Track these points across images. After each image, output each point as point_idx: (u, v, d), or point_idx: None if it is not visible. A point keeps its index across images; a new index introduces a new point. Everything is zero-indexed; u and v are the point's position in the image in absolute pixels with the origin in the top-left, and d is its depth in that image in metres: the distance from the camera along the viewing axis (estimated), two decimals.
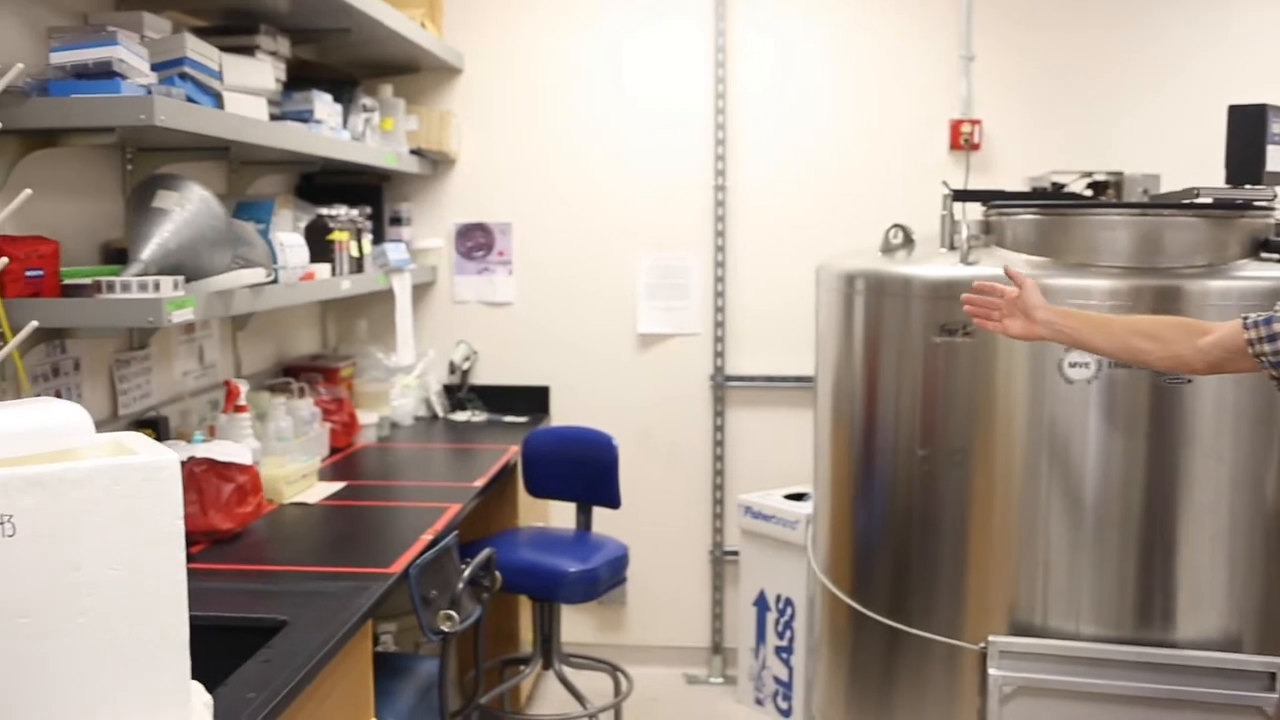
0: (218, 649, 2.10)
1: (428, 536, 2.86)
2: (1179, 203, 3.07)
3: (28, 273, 2.40)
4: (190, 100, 2.69)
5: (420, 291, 4.69)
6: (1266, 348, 2.19)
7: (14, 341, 2.27)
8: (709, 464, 4.73)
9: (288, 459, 3.32)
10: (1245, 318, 2.24)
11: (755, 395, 4.70)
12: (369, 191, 4.43)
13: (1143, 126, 4.43)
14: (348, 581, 2.50)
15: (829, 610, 3.48)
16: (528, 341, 4.74)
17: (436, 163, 4.66)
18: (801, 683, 4.16)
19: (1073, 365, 2.85)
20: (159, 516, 1.43)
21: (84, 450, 1.48)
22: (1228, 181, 3.11)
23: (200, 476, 2.77)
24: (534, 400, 4.72)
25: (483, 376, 4.76)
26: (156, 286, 2.46)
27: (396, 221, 4.58)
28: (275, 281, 3.08)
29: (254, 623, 2.24)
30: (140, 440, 1.54)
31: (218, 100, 2.85)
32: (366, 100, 3.97)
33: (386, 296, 4.20)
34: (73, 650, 1.40)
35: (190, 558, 2.67)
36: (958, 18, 4.50)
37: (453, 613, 2.69)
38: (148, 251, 2.56)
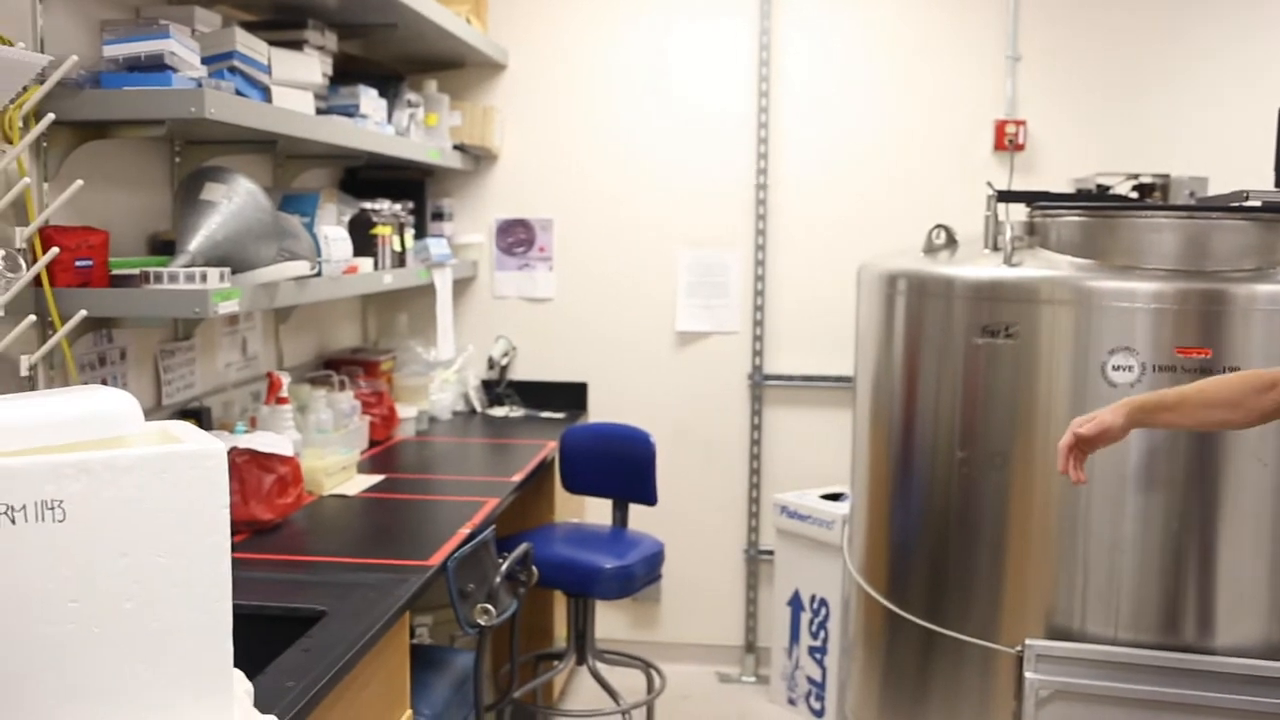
0: (258, 638, 2.12)
1: (466, 530, 2.87)
2: (1227, 205, 3.03)
3: (77, 263, 2.44)
4: (239, 94, 2.72)
5: (461, 286, 4.71)
6: None
7: (63, 330, 2.30)
8: (746, 463, 4.73)
9: (328, 451, 3.35)
10: None
11: (793, 394, 4.69)
12: (412, 186, 4.46)
13: (1190, 129, 4.39)
14: (386, 573, 2.52)
15: (864, 611, 3.47)
16: (567, 338, 4.76)
17: (479, 158, 4.69)
18: (834, 683, 4.15)
19: (1116, 368, 2.83)
20: (205, 505, 1.45)
21: (132, 438, 1.49)
22: (1278, 185, 3.08)
23: (242, 467, 2.80)
24: (572, 396, 4.74)
25: (521, 372, 4.79)
26: (203, 278, 2.49)
27: (439, 216, 4.60)
28: (319, 275, 3.10)
29: (294, 612, 2.26)
30: (187, 429, 1.56)
31: (266, 94, 2.88)
32: (411, 95, 3.99)
33: (427, 291, 4.22)
34: (119, 635, 1.41)
35: (232, 547, 2.69)
36: (1003, 18, 4.47)
37: (489, 607, 2.70)
38: (195, 243, 2.59)
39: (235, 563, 2.25)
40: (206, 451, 1.45)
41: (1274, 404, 2.32)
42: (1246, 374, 2.40)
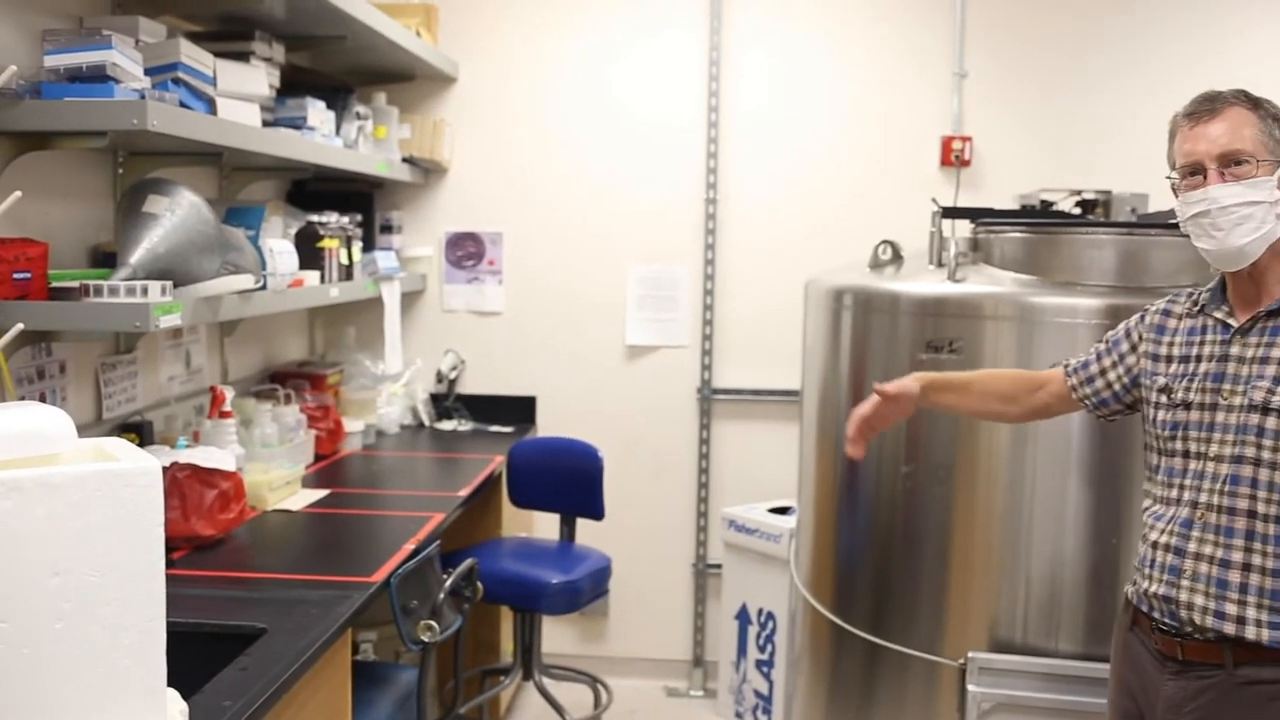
0: (196, 656, 2.09)
1: (410, 546, 2.86)
2: (1166, 222, 3.08)
3: (15, 275, 2.40)
4: (183, 105, 2.70)
5: (409, 300, 4.69)
6: (1087, 391, 2.40)
7: None
8: (694, 476, 4.73)
9: (272, 465, 3.32)
10: (1066, 364, 2.44)
11: (742, 408, 4.71)
12: (361, 199, 4.44)
13: (1133, 145, 4.43)
14: (328, 590, 2.50)
15: (810, 624, 3.48)
16: (516, 351, 4.74)
17: (428, 171, 4.67)
18: (781, 696, 4.16)
19: None
20: (139, 523, 1.43)
21: (66, 455, 1.48)
22: None
23: (183, 482, 2.77)
24: (521, 410, 4.73)
25: (470, 386, 4.77)
26: (144, 291, 2.46)
27: (387, 229, 4.58)
28: (264, 288, 3.08)
29: (233, 630, 2.24)
30: (122, 446, 1.54)
31: (211, 106, 2.86)
32: (360, 107, 3.97)
33: (375, 304, 4.20)
34: (49, 655, 1.39)
35: (171, 564, 2.67)
36: (951, 35, 4.52)
37: (433, 623, 2.68)
38: (136, 256, 2.56)
39: (175, 579, 2.22)
40: (141, 469, 1.43)
41: (1042, 403, 2.48)
42: (1021, 372, 2.57)
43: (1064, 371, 2.44)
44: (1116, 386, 2.36)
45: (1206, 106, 2.12)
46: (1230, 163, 2.08)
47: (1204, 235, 2.11)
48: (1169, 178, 2.20)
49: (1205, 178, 2.09)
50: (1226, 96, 2.12)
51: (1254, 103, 2.12)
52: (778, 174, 4.63)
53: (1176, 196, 2.19)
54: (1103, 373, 2.38)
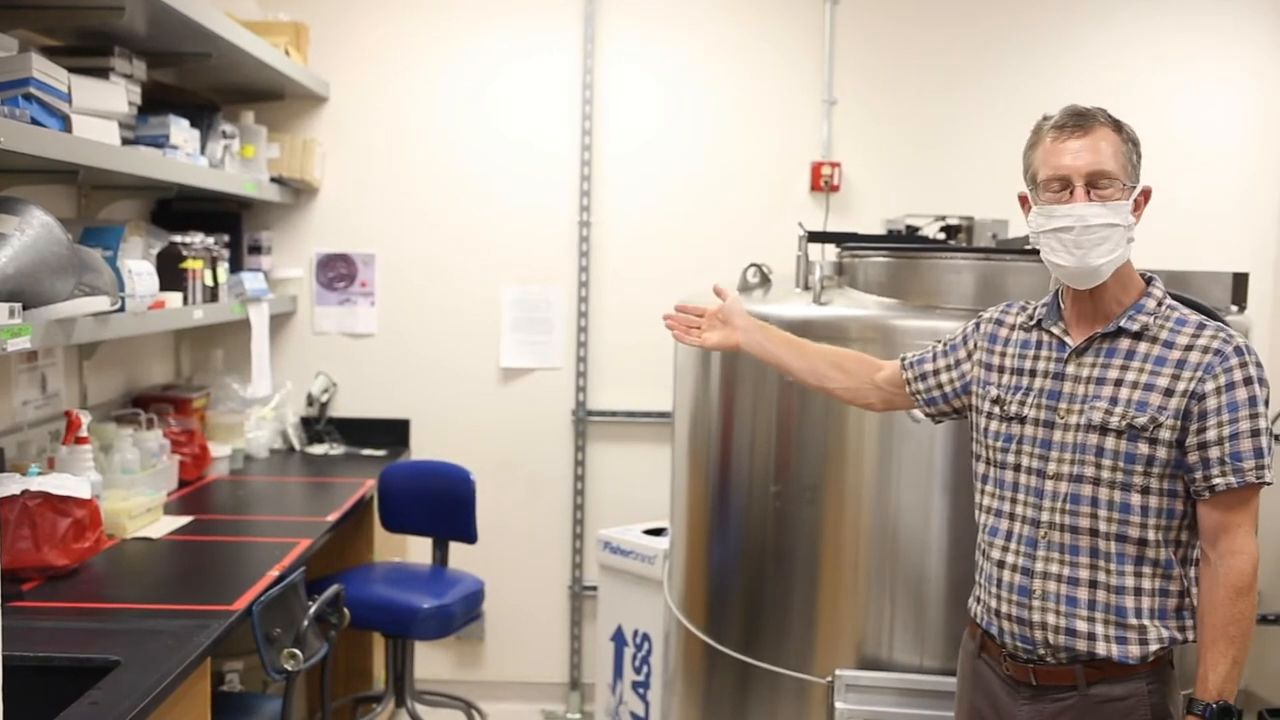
0: (44, 691, 2.03)
1: (274, 572, 2.81)
2: (1022, 248, 3.17)
3: None
4: (35, 122, 2.61)
5: (279, 322, 4.61)
6: (919, 386, 2.44)
7: None
8: (569, 498, 4.73)
9: (132, 492, 3.23)
10: (904, 358, 2.47)
11: (616, 430, 4.72)
12: (228, 219, 4.35)
13: (995, 171, 4.50)
14: (187, 620, 2.44)
15: (683, 645, 3.49)
16: (389, 374, 4.69)
17: (299, 191, 4.60)
18: (657, 718, 4.16)
19: None
20: None
21: None
22: None
23: (34, 510, 2.68)
24: (394, 433, 4.67)
25: (342, 409, 4.70)
26: None
27: (256, 250, 4.49)
28: (121, 310, 3.00)
29: (83, 663, 2.17)
30: None
31: (65, 123, 2.77)
32: (226, 126, 3.90)
33: (244, 326, 4.11)
34: None
35: (21, 595, 2.58)
36: (821, 62, 4.61)
37: (297, 651, 2.63)
38: None
39: (24, 611, 2.16)
40: None
41: (872, 387, 2.49)
42: (863, 354, 2.57)
43: (900, 364, 2.47)
44: (948, 389, 2.41)
45: (1077, 122, 2.10)
46: (1096, 182, 2.08)
47: (1062, 251, 2.10)
48: (1029, 189, 2.18)
49: (1073, 194, 2.08)
50: (1095, 115, 2.11)
51: (1116, 125, 2.12)
52: (651, 197, 4.66)
53: (1027, 205, 2.19)
54: (936, 372, 2.42)
